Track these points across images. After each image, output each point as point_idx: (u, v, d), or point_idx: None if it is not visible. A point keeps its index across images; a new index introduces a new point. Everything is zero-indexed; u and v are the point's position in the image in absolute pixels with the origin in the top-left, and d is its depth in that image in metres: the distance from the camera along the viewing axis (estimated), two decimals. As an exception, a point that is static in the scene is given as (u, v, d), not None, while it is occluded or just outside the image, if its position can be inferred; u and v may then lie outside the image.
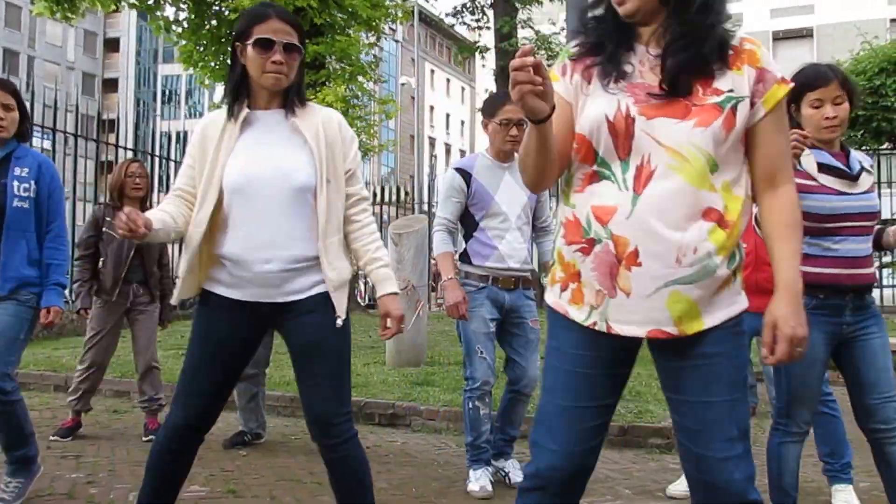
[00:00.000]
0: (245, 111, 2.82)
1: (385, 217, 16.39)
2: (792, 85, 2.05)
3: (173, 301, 2.98)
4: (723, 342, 2.00)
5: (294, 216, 2.79)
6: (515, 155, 4.24)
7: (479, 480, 4.25)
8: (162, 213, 2.78)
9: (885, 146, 13.24)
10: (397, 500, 4.08)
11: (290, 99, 2.85)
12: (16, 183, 3.62)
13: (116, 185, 5.49)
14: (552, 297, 2.15)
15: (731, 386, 1.99)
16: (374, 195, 17.24)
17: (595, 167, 2.02)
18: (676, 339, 1.98)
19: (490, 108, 4.34)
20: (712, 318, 1.98)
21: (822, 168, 3.19)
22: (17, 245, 3.64)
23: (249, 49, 2.74)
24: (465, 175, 4.30)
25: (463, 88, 67.77)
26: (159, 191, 13.47)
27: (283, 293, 2.81)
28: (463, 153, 67.62)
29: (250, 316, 2.84)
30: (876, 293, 3.28)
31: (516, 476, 4.28)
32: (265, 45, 2.72)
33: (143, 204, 5.55)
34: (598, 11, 2.10)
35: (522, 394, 4.36)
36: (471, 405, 4.28)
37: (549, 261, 4.26)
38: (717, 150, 1.93)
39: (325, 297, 2.82)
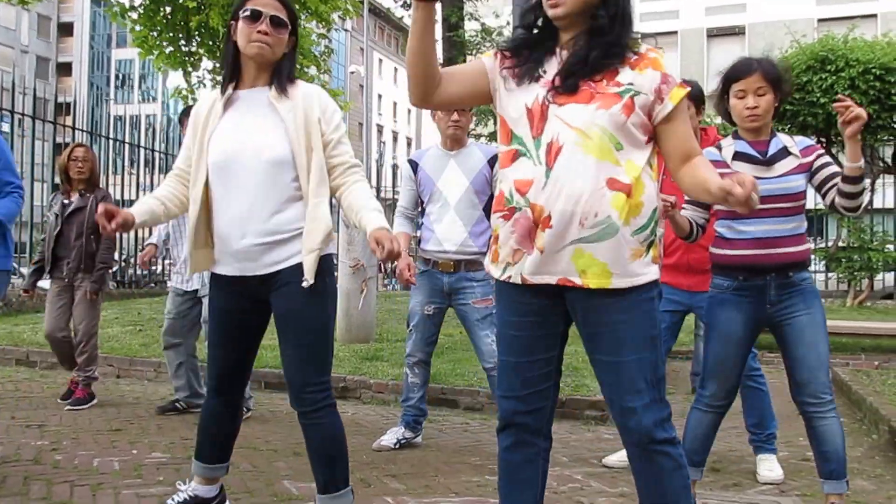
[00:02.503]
0: (229, 91, 2.98)
1: (334, 200, 16.49)
2: (688, 89, 2.39)
3: (187, 275, 3.20)
4: (630, 310, 2.33)
5: (269, 190, 2.89)
6: (463, 142, 4.61)
7: (389, 436, 4.70)
8: (152, 201, 3.03)
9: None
10: (349, 465, 4.29)
11: (276, 77, 2.97)
12: None
13: (62, 167, 5.73)
14: (486, 261, 2.57)
15: (637, 347, 2.33)
16: (324, 179, 17.29)
17: (515, 146, 2.36)
18: (590, 298, 2.33)
19: None
20: (621, 281, 2.30)
21: (737, 156, 3.36)
22: None
23: (240, 23, 2.90)
24: (413, 164, 4.66)
25: (395, 69, 67.59)
26: (113, 173, 13.49)
27: (263, 265, 2.93)
28: (409, 140, 67.67)
29: (241, 290, 3.01)
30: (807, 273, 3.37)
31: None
32: (254, 16, 2.87)
33: (89, 185, 5.76)
34: (529, 19, 2.45)
35: (487, 369, 4.60)
36: (406, 371, 4.79)
37: None
38: (617, 130, 2.27)
39: (294, 268, 2.91)
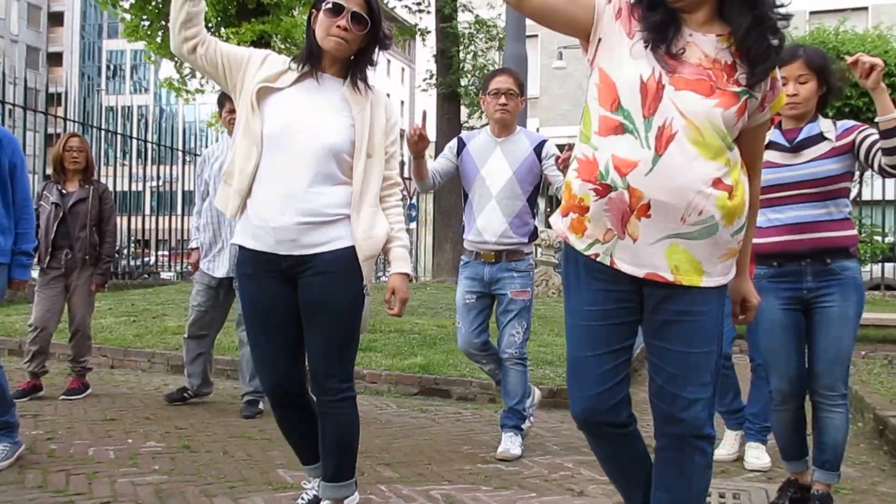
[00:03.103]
0: (306, 68, 2.92)
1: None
2: (782, 100, 2.35)
3: (235, 240, 3.02)
4: (711, 302, 2.27)
5: (318, 173, 2.86)
6: (511, 128, 4.48)
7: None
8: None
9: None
10: (342, 453, 4.36)
11: (353, 72, 2.96)
12: None
13: (57, 158, 5.72)
14: (557, 222, 2.38)
15: (709, 339, 2.28)
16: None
17: (621, 118, 2.18)
18: (672, 290, 2.24)
19: (484, 84, 4.58)
20: (712, 280, 2.24)
21: (768, 145, 3.25)
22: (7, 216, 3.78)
23: (321, 14, 2.84)
24: (461, 143, 4.54)
25: (403, 69, 67.50)
26: (105, 164, 13.50)
27: (300, 246, 2.87)
28: (402, 132, 67.30)
29: (274, 269, 2.92)
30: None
31: (501, 447, 4.39)
32: (335, 10, 2.82)
33: (85, 175, 5.78)
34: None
35: (503, 360, 4.47)
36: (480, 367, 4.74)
37: None
38: (729, 130, 2.17)
39: (342, 255, 2.89)
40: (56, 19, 61.37)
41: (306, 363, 3.05)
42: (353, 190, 2.91)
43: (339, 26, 2.82)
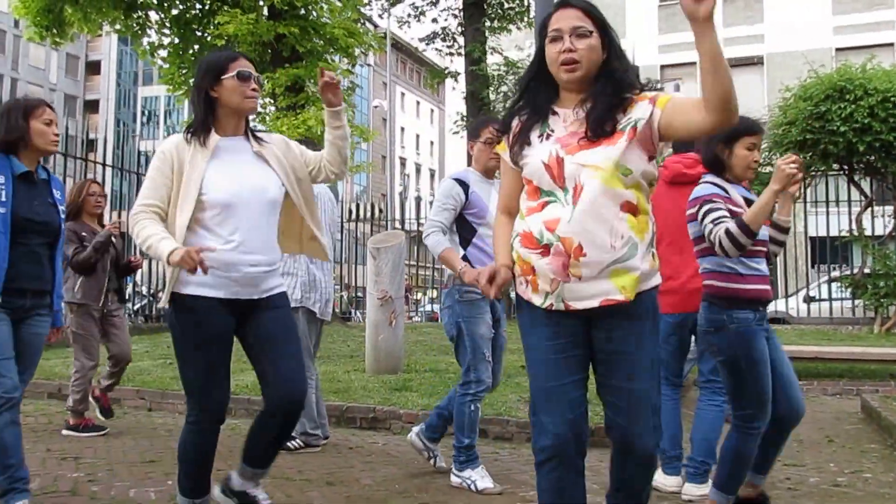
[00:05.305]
0: (216, 137, 3.35)
1: (359, 233, 16.71)
2: (670, 95, 2.59)
3: (161, 304, 3.38)
4: (647, 316, 2.64)
5: (269, 226, 3.41)
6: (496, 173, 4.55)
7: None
8: (168, 235, 3.21)
9: (829, 168, 13.79)
10: (381, 495, 4.31)
11: (248, 128, 3.48)
12: (59, 204, 3.86)
13: (75, 203, 5.81)
14: (520, 287, 2.73)
15: (648, 376, 2.62)
16: (350, 212, 17.54)
17: (545, 197, 2.62)
18: (620, 312, 2.58)
19: (474, 131, 4.65)
20: (650, 283, 2.64)
21: (747, 202, 3.64)
22: (58, 263, 3.87)
23: (228, 81, 3.30)
24: (464, 185, 4.48)
25: (432, 110, 68.25)
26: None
27: (260, 291, 3.39)
28: (433, 172, 67.98)
29: (231, 311, 3.34)
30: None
31: (482, 483, 4.42)
32: (245, 77, 3.33)
33: (101, 219, 6.00)
34: (527, 83, 2.77)
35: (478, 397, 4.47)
36: (472, 407, 4.45)
37: None
38: (622, 157, 2.54)
39: (284, 294, 3.50)
40: (93, 68, 63.06)
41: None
42: (304, 218, 3.52)
43: (253, 89, 3.36)
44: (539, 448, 2.64)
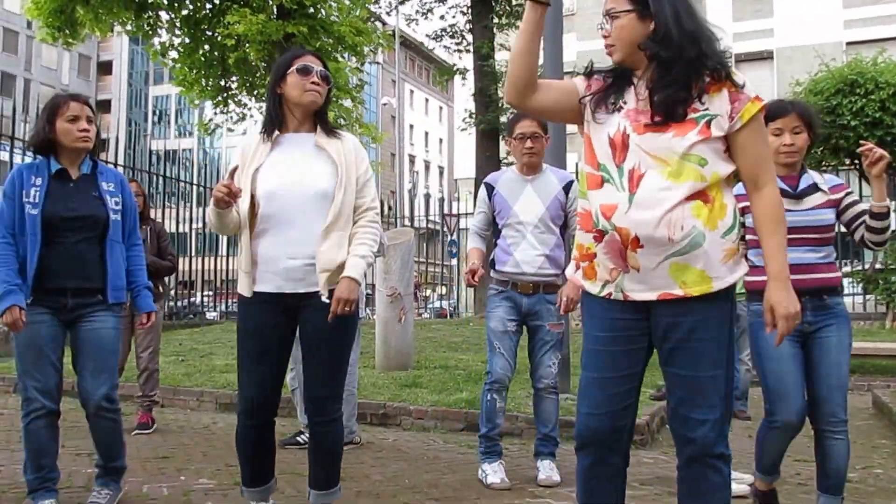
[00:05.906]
0: (276, 133, 3.40)
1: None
2: (764, 103, 2.49)
3: (245, 293, 3.35)
4: (717, 315, 2.49)
5: (311, 219, 3.29)
6: (539, 167, 4.67)
7: (497, 473, 4.49)
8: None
9: (841, 162, 13.73)
10: (392, 490, 4.35)
11: (322, 122, 3.45)
12: (107, 197, 3.82)
13: None
14: (571, 272, 2.68)
15: (714, 363, 2.48)
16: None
17: (599, 172, 2.51)
18: (683, 307, 2.45)
19: (509, 127, 4.76)
20: (721, 282, 2.46)
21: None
22: (117, 256, 3.83)
23: (291, 76, 3.34)
24: (489, 188, 4.71)
25: (441, 108, 68.20)
26: (150, 206, 13.77)
27: (306, 284, 3.30)
28: (441, 169, 68.01)
29: (276, 305, 3.32)
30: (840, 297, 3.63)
31: (542, 475, 4.53)
32: (306, 70, 3.34)
33: (142, 218, 5.87)
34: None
35: (538, 389, 4.62)
36: (488, 397, 4.58)
37: None
38: (697, 150, 2.40)
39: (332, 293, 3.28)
40: (105, 68, 63.46)
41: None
42: (329, 216, 3.30)
43: (313, 83, 3.35)
44: (575, 434, 2.64)
